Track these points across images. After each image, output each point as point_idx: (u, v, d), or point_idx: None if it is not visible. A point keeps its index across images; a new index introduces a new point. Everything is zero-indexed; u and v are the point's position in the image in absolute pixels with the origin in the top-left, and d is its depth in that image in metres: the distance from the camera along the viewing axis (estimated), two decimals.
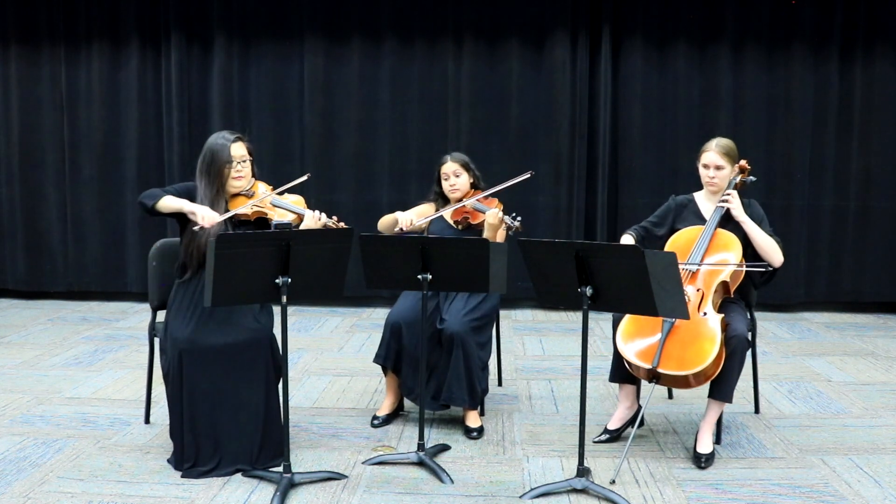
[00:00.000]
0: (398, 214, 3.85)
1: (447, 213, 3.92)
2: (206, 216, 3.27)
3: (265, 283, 2.97)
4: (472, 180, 3.93)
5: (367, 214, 6.13)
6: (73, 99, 6.71)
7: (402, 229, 3.78)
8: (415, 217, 3.86)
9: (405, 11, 6.52)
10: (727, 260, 3.48)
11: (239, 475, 3.22)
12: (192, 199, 3.38)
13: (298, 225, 3.43)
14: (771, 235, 3.57)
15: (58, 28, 6.67)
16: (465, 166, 3.91)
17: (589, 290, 2.97)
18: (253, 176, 3.51)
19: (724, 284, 3.47)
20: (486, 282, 3.25)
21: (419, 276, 3.28)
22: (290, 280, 2.97)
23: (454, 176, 3.89)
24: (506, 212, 3.77)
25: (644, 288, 2.88)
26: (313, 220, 3.40)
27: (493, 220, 3.68)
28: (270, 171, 6.53)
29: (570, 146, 6.54)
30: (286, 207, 3.47)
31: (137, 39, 6.63)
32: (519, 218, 3.66)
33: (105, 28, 6.64)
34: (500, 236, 3.75)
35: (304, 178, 3.52)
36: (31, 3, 6.67)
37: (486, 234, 3.73)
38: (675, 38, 6.47)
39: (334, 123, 6.61)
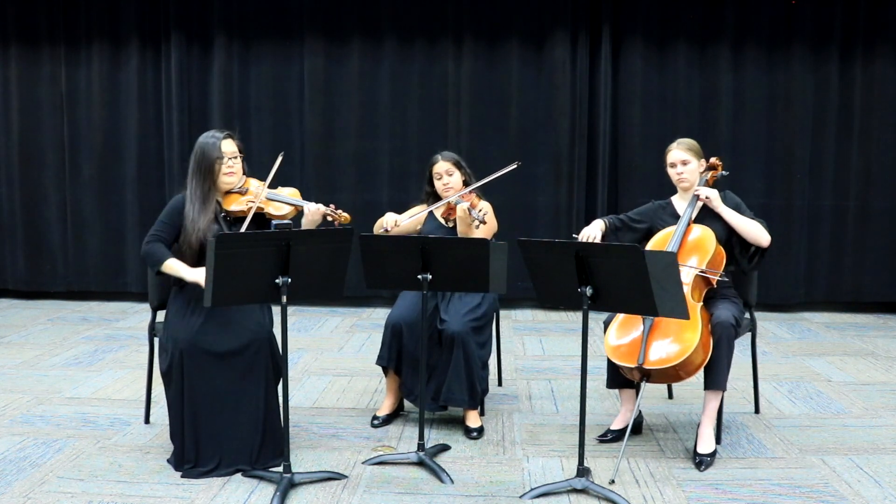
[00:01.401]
0: (386, 216, 3.86)
1: (438, 211, 3.92)
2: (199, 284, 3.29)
3: (265, 283, 2.97)
4: (464, 178, 3.93)
5: (367, 214, 6.09)
6: (73, 99, 6.71)
7: (386, 230, 3.78)
8: (400, 217, 3.86)
9: (405, 11, 6.52)
10: (699, 258, 3.49)
11: (239, 475, 3.22)
12: (181, 214, 3.40)
13: (297, 217, 3.44)
14: (753, 218, 3.58)
15: (58, 28, 6.67)
16: (457, 164, 3.92)
17: (589, 290, 2.97)
18: (244, 173, 3.52)
19: (702, 276, 3.49)
20: (486, 282, 3.25)
21: (419, 276, 3.28)
22: (290, 280, 2.97)
23: (447, 175, 3.89)
24: (495, 207, 3.86)
25: (644, 288, 2.89)
26: (314, 211, 3.43)
27: (461, 213, 3.71)
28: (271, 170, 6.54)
29: (570, 146, 6.54)
30: (282, 200, 3.48)
31: (137, 39, 6.63)
32: (483, 211, 3.71)
33: (105, 28, 6.64)
34: (477, 232, 3.74)
35: (279, 159, 3.54)
36: (31, 3, 6.67)
37: (459, 230, 3.77)
38: (675, 38, 6.47)
39: (334, 123, 6.62)
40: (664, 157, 3.72)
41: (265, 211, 3.47)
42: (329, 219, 3.49)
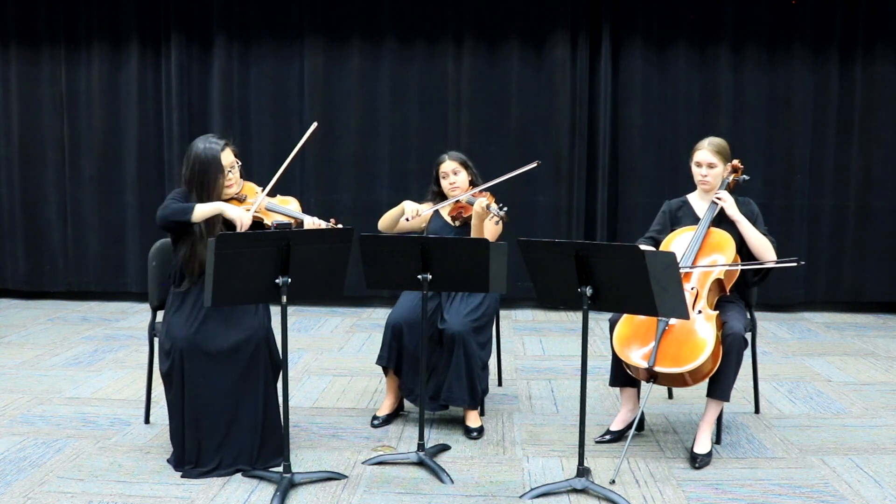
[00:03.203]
0: (405, 203, 3.84)
1: (444, 210, 3.93)
2: (243, 221, 3.26)
3: (265, 283, 2.97)
4: (470, 178, 3.94)
5: (367, 214, 6.12)
6: (73, 99, 6.71)
7: (407, 219, 3.78)
8: (421, 207, 3.84)
9: (405, 11, 6.52)
10: (719, 261, 3.48)
11: (239, 475, 3.22)
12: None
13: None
14: (765, 235, 3.58)
15: (58, 28, 6.67)
16: (464, 164, 3.93)
17: (589, 290, 2.97)
18: (241, 177, 3.49)
19: (719, 282, 3.48)
20: (486, 282, 3.25)
21: (419, 276, 3.28)
22: (290, 280, 2.97)
23: (453, 174, 3.90)
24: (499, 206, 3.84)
25: (644, 288, 2.88)
26: (312, 225, 3.38)
27: (479, 208, 3.69)
28: (270, 171, 6.52)
29: (570, 146, 6.54)
30: (282, 212, 3.44)
31: (137, 39, 6.63)
32: (505, 208, 3.64)
33: (105, 28, 6.64)
34: (490, 230, 3.75)
35: (282, 168, 3.46)
36: (31, 3, 6.67)
37: (473, 224, 3.75)
38: (675, 38, 6.47)
39: (334, 123, 6.61)
40: (691, 153, 3.70)
41: (263, 221, 3.42)
42: None
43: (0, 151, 6.81)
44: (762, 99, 6.46)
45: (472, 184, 3.95)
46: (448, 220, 3.97)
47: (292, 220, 3.43)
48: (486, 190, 3.88)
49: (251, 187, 3.52)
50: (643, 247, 3.61)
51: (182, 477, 3.21)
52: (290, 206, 3.49)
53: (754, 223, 3.59)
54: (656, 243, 3.71)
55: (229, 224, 3.39)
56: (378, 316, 6.32)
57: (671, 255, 2.93)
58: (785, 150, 6.48)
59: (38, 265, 6.87)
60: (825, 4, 6.34)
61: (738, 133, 6.46)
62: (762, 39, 6.42)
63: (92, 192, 6.76)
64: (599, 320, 5.90)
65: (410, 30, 6.53)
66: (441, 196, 3.98)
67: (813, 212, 6.53)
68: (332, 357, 5.14)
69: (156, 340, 3.57)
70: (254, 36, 6.59)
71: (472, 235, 3.78)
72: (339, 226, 3.41)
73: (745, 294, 3.78)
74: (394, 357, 3.76)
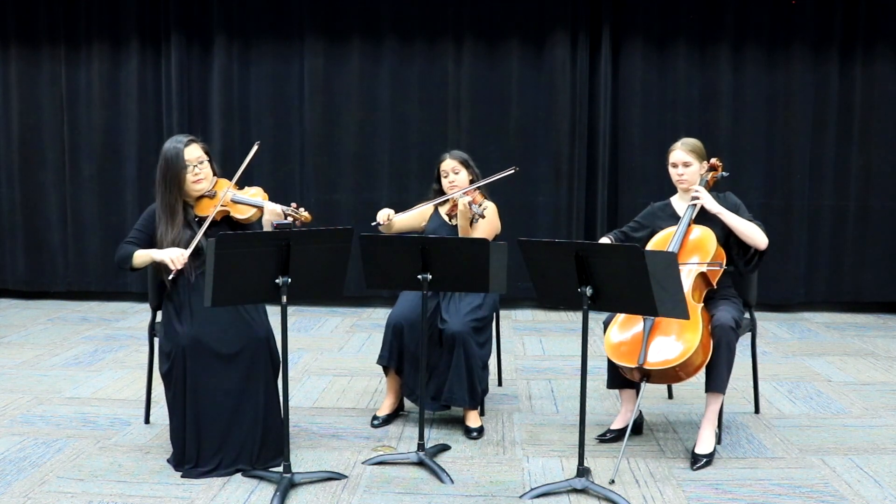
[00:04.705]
0: (381, 211, 3.89)
1: (443, 209, 3.94)
2: (174, 259, 3.26)
3: (265, 283, 2.97)
4: (471, 177, 3.95)
5: (367, 214, 6.10)
6: (73, 99, 6.71)
7: (378, 223, 3.79)
8: (393, 214, 3.87)
9: (405, 11, 6.52)
10: (700, 256, 3.50)
11: (239, 475, 3.22)
12: (154, 222, 3.39)
13: (260, 218, 3.44)
14: (751, 220, 3.58)
15: (58, 28, 6.67)
16: (465, 163, 3.94)
17: (589, 290, 2.98)
18: (214, 174, 3.49)
19: (703, 276, 3.49)
20: (486, 282, 3.25)
21: (419, 276, 3.28)
22: (289, 280, 2.97)
23: (453, 173, 3.91)
24: (498, 207, 3.90)
25: (644, 288, 2.89)
26: (271, 210, 3.40)
27: (462, 207, 3.71)
28: (271, 171, 6.56)
29: (570, 146, 6.54)
30: (245, 202, 3.45)
31: (137, 39, 6.63)
32: (485, 207, 3.71)
33: (105, 28, 6.64)
34: (483, 229, 3.75)
35: (248, 157, 3.50)
36: (31, 3, 6.67)
37: (459, 223, 3.77)
38: (675, 38, 6.47)
39: (334, 123, 6.62)
40: (667, 156, 3.72)
41: (230, 214, 3.44)
42: (289, 219, 3.41)
43: (0, 151, 6.81)
44: (762, 99, 6.46)
45: (473, 183, 3.97)
46: (445, 219, 3.98)
47: (255, 209, 3.43)
48: (480, 189, 3.90)
49: (224, 183, 3.51)
50: (604, 239, 3.64)
51: (182, 477, 3.21)
52: (254, 197, 3.49)
53: (737, 212, 3.60)
54: (625, 237, 3.75)
55: (238, 224, 3.44)
56: (378, 316, 6.33)
57: (671, 255, 2.93)
58: (785, 150, 6.49)
59: (38, 265, 6.87)
60: (825, 4, 6.35)
61: (738, 133, 6.46)
62: (762, 39, 6.42)
63: (92, 192, 6.76)
64: (599, 320, 5.89)
65: (410, 30, 6.53)
66: (442, 194, 3.99)
67: (813, 212, 6.53)
68: (332, 357, 5.14)
69: (156, 340, 3.57)
70: (254, 36, 6.59)
71: (460, 234, 3.78)
72: (301, 209, 3.45)
73: (745, 293, 3.79)
74: (395, 357, 3.76)
